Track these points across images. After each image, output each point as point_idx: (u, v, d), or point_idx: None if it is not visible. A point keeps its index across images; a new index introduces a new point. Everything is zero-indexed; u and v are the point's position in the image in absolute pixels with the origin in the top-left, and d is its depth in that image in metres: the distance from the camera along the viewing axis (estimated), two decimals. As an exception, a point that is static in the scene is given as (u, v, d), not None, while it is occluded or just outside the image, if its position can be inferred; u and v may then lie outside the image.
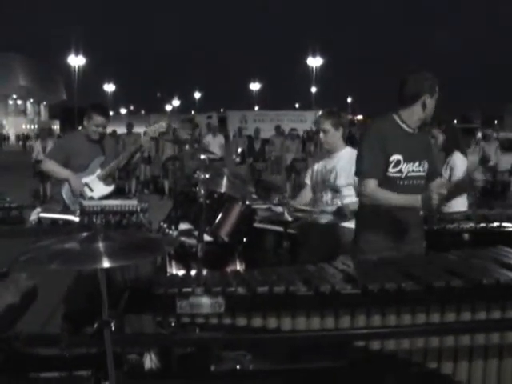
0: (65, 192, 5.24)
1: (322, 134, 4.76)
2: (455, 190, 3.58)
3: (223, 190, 4.46)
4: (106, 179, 5.32)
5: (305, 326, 2.69)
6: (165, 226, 4.41)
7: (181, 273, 4.16)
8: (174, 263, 4.29)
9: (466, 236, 4.55)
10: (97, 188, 5.26)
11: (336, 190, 4.58)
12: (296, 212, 4.48)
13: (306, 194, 4.98)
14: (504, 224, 4.58)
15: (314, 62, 61.93)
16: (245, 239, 4.40)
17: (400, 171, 3.60)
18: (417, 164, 3.66)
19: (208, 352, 3.24)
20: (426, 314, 2.71)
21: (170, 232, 4.36)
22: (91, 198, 5.01)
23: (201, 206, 4.12)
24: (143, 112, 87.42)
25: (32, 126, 68.53)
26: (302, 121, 33.45)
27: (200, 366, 3.21)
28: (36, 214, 4.21)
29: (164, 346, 3.08)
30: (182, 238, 4.35)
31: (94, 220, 4.04)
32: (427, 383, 2.96)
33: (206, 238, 4.21)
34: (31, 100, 75.05)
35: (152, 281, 2.86)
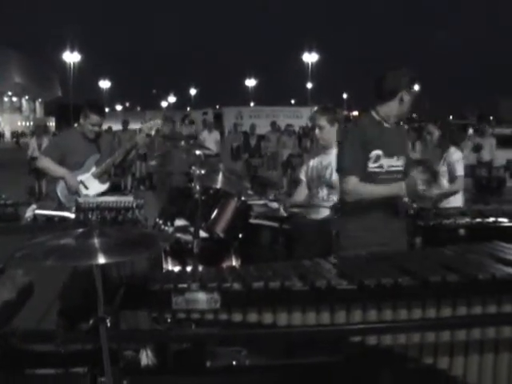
0: (59, 190, 5.24)
1: (317, 130, 4.77)
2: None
3: (219, 185, 4.47)
4: (101, 177, 5.32)
5: (300, 322, 2.68)
6: (160, 222, 4.41)
7: (176, 269, 4.15)
8: (169, 259, 4.29)
9: (462, 231, 4.55)
10: (92, 186, 5.26)
11: (332, 186, 4.57)
12: (291, 208, 4.49)
13: (302, 191, 4.98)
14: (499, 219, 4.58)
15: (310, 57, 61.84)
16: (240, 235, 4.40)
17: (380, 166, 3.62)
18: (395, 158, 3.69)
19: (204, 348, 3.24)
20: (422, 309, 2.71)
21: (166, 228, 4.36)
22: (86, 196, 5.01)
23: (196, 202, 4.12)
24: (139, 108, 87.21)
25: (27, 123, 68.27)
26: (297, 117, 33.49)
27: (196, 362, 3.22)
28: (31, 211, 4.21)
29: (160, 341, 3.08)
30: (178, 234, 4.35)
31: (90, 216, 4.04)
32: (423, 378, 2.97)
33: (202, 234, 4.21)
34: (26, 97, 74.70)
35: (147, 277, 2.85)
